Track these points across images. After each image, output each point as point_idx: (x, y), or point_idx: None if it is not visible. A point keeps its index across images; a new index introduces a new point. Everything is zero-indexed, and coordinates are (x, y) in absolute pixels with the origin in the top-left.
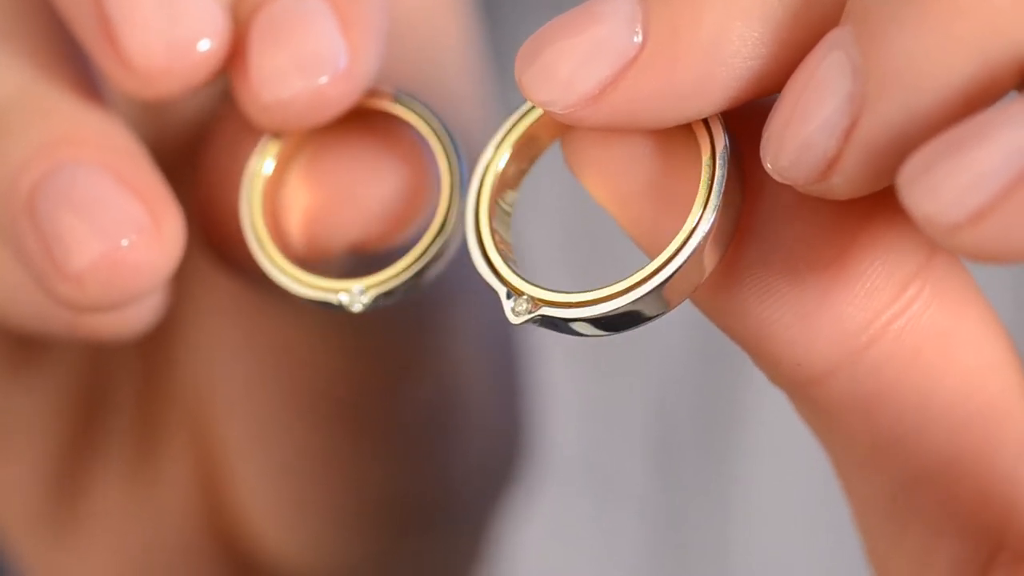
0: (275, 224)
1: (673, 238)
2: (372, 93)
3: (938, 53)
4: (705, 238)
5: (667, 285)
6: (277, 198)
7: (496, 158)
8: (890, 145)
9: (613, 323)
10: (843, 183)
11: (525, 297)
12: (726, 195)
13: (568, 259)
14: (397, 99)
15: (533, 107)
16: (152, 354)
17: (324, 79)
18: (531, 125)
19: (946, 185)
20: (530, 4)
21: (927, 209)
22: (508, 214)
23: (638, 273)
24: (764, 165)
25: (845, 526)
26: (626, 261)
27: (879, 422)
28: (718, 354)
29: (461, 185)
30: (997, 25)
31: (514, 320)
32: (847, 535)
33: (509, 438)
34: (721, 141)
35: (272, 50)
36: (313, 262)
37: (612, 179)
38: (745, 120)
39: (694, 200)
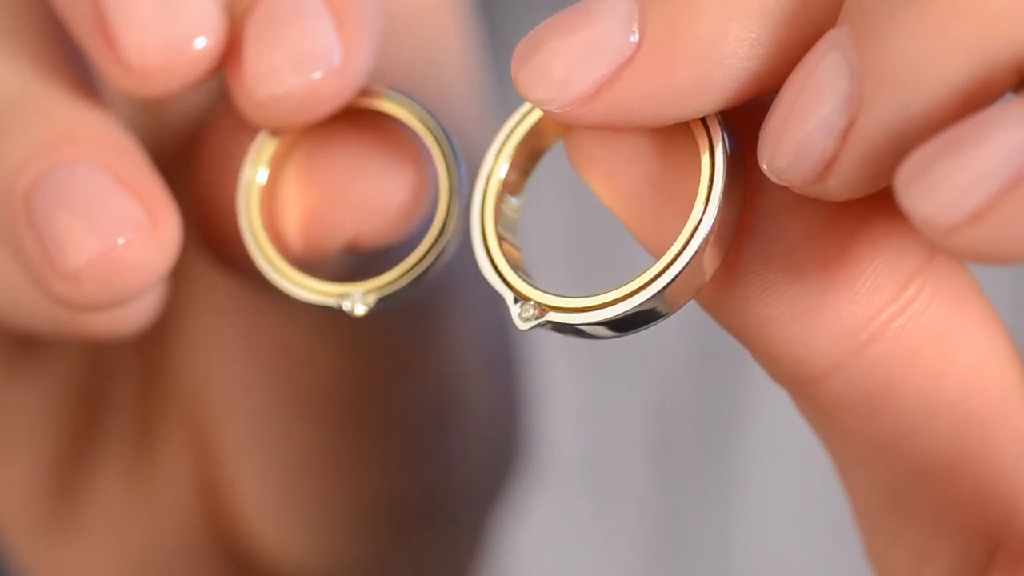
0: (273, 226)
1: (677, 237)
2: (367, 92)
3: (935, 53)
4: (707, 237)
5: (671, 286)
6: (273, 200)
7: (498, 162)
8: (887, 146)
9: (620, 325)
10: (840, 184)
11: (532, 303)
12: (726, 193)
13: (570, 261)
14: (392, 98)
15: (533, 109)
16: (150, 353)
17: (318, 75)
18: (532, 127)
19: (943, 186)
20: (529, 4)
21: (924, 210)
22: (515, 219)
23: (643, 276)
24: (760, 166)
25: (845, 526)
26: (628, 263)
27: (879, 420)
28: (718, 354)
29: (459, 185)
30: (994, 25)
31: (522, 326)
32: (847, 535)
33: (509, 438)
34: (720, 139)
35: (267, 47)
36: (311, 262)
37: (614, 177)
38: (745, 118)
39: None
